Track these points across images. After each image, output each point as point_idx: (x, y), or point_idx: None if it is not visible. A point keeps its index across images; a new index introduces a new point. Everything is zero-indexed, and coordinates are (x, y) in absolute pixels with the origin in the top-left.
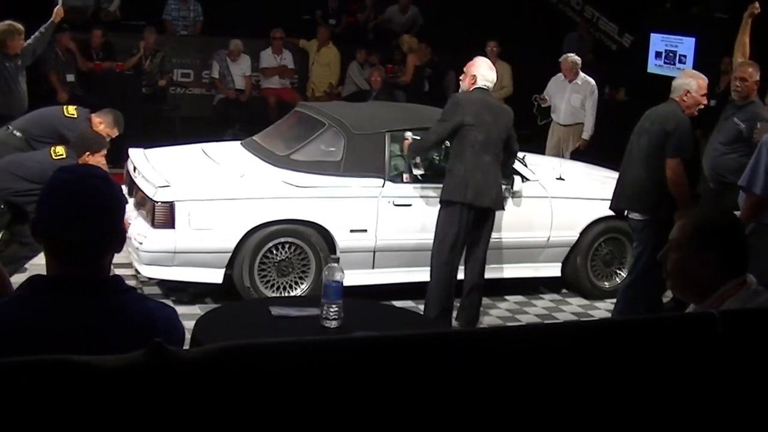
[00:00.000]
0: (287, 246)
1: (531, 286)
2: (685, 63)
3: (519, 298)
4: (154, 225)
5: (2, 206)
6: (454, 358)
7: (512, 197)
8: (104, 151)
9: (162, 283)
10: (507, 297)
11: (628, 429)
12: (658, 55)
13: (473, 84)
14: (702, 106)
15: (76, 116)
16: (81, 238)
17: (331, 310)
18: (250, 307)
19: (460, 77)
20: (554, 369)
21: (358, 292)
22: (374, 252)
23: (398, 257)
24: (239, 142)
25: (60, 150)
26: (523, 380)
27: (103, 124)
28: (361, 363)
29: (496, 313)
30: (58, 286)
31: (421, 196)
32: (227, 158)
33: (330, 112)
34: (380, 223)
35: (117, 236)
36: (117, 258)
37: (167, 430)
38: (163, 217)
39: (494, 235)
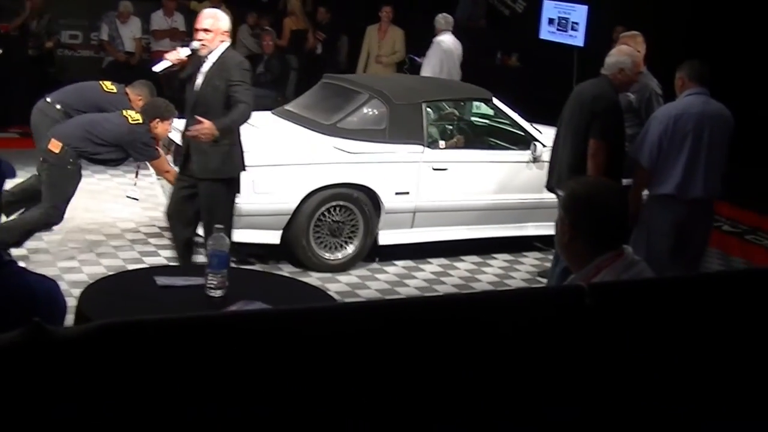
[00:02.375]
0: (339, 208)
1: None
2: (577, 30)
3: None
4: None
5: (78, 164)
6: (338, 331)
7: (535, 162)
8: (173, 120)
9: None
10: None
11: (495, 403)
12: (550, 21)
13: None
14: (633, 84)
15: (115, 91)
16: None
17: (216, 279)
18: (135, 277)
19: None
20: (414, 346)
21: (398, 250)
22: (414, 213)
23: (435, 217)
24: (270, 111)
25: (136, 116)
26: (389, 357)
27: (141, 98)
28: (246, 338)
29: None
30: None
31: (456, 161)
32: (269, 126)
33: (368, 83)
34: (421, 186)
35: None
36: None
37: (46, 410)
38: None
39: (519, 196)
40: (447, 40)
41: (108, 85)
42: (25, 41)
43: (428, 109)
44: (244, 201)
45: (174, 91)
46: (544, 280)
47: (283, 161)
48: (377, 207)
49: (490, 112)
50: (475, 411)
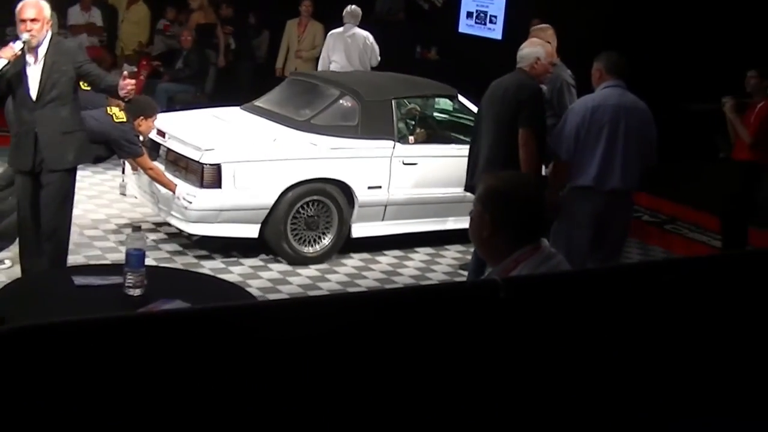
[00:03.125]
0: (314, 203)
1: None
2: (495, 23)
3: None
4: (202, 185)
5: None
6: (260, 329)
7: None
8: (156, 117)
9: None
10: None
11: (409, 399)
12: (469, 15)
13: None
14: (549, 74)
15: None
16: None
17: (134, 278)
18: (52, 277)
19: None
20: (328, 343)
21: (370, 242)
22: (386, 206)
23: (405, 210)
24: (239, 107)
25: (121, 113)
26: (305, 354)
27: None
28: (165, 338)
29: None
30: None
31: (425, 156)
32: (243, 122)
33: (338, 80)
34: (392, 180)
35: None
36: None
37: None
38: (211, 177)
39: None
40: (356, 32)
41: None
42: None
43: (398, 106)
44: (225, 196)
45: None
46: (466, 273)
47: (261, 157)
48: (351, 201)
49: (451, 107)
50: (390, 406)
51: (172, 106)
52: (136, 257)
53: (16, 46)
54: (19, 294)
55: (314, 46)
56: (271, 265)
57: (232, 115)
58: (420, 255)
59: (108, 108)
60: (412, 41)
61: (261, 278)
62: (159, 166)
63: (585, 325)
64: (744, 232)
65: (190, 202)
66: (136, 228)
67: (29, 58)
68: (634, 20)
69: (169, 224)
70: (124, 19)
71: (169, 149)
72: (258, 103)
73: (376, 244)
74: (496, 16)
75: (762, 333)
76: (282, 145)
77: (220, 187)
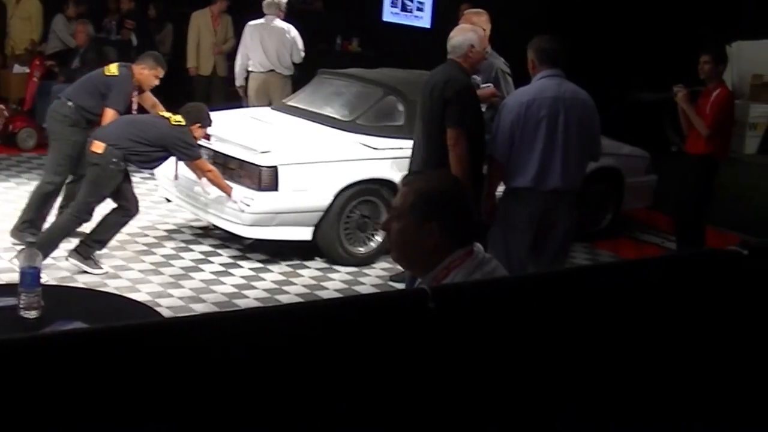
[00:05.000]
0: (365, 203)
1: None
2: (423, 10)
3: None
4: (260, 188)
5: (121, 164)
6: (161, 348)
7: None
8: (209, 127)
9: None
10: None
11: (338, 414)
12: (393, 2)
13: None
14: (485, 60)
15: (116, 74)
16: None
17: (29, 299)
18: None
19: None
20: (252, 358)
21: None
22: None
23: None
24: (270, 108)
25: (178, 117)
26: (226, 370)
27: (145, 69)
28: (61, 361)
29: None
30: None
31: None
32: (286, 124)
33: (376, 79)
34: None
35: None
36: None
37: None
38: (268, 180)
39: None
40: (276, 24)
41: (111, 69)
42: None
43: None
44: (282, 198)
45: None
46: (398, 285)
47: (316, 159)
48: None
49: None
50: (319, 420)
51: None
52: (31, 276)
53: None
54: None
55: (225, 40)
56: (182, 282)
57: (269, 116)
58: (311, 270)
59: (162, 112)
60: (332, 32)
61: (171, 297)
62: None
63: (523, 335)
64: (701, 232)
65: (248, 205)
66: (31, 244)
67: None
68: (574, 1)
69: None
70: (13, 14)
71: (217, 152)
72: (292, 102)
73: (299, 254)
74: (423, 3)
75: (717, 339)
76: (334, 147)
77: (276, 189)
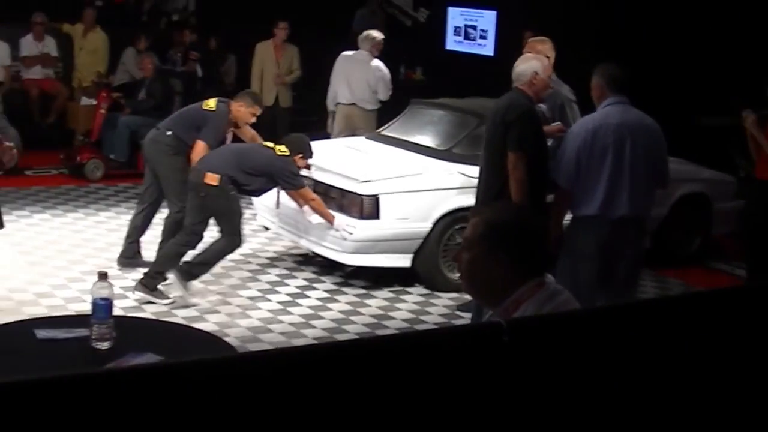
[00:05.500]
0: (464, 230)
1: None
2: (486, 39)
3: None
4: (361, 216)
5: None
6: (236, 382)
7: None
8: (310, 159)
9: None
10: None
11: None
12: (456, 30)
13: None
14: (551, 89)
15: (215, 109)
16: None
17: (101, 330)
18: (12, 331)
19: None
20: (324, 393)
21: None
22: None
23: None
24: (364, 137)
25: (282, 148)
26: (297, 406)
27: (243, 107)
28: (136, 395)
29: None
30: None
31: None
32: (383, 153)
33: (469, 108)
34: None
35: None
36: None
37: None
38: (370, 208)
39: None
40: (365, 60)
41: (210, 103)
42: None
43: None
44: (383, 226)
45: None
46: (465, 315)
47: (416, 187)
48: None
49: None
50: None
51: (135, 140)
52: (103, 307)
53: None
54: None
55: (291, 71)
56: (251, 312)
57: (365, 145)
58: (413, 296)
59: (265, 142)
60: (395, 61)
61: (239, 326)
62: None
63: (596, 367)
64: None
65: (351, 233)
66: (102, 275)
67: None
68: (639, 27)
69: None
70: (80, 48)
71: (318, 181)
72: (386, 132)
73: (371, 279)
74: (486, 31)
75: None
76: (433, 176)
77: (377, 217)
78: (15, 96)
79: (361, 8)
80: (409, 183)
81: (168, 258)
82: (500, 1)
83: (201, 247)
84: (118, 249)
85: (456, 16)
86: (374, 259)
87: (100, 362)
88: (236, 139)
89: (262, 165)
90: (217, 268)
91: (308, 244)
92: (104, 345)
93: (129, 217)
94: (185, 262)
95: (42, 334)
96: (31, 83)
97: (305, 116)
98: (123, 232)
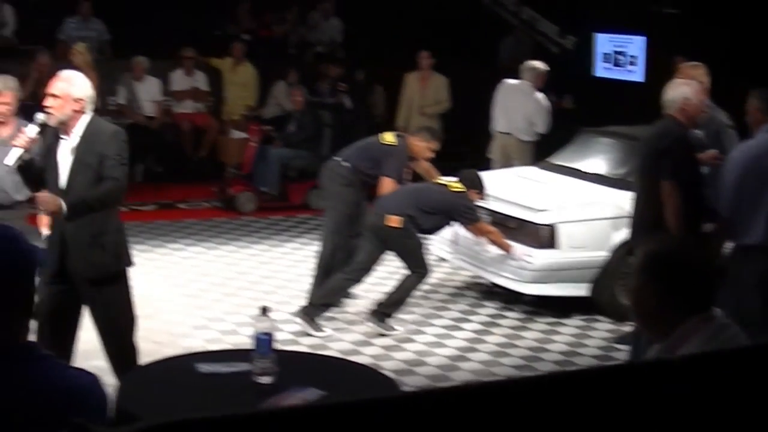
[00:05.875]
0: None
1: None
2: (635, 65)
3: None
4: (539, 246)
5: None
6: (409, 423)
7: None
8: (484, 194)
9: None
10: None
11: None
12: (605, 57)
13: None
14: (703, 115)
15: (394, 144)
16: None
17: (264, 364)
18: (175, 365)
19: None
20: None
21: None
22: None
23: None
24: (535, 166)
25: (457, 185)
26: None
27: (421, 142)
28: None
29: None
30: None
31: None
32: (557, 181)
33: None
34: None
35: (23, 300)
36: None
37: None
38: (547, 238)
39: None
40: (526, 90)
41: (388, 138)
42: (37, 109)
43: None
44: (561, 256)
45: (34, 183)
46: (622, 347)
47: (593, 216)
48: None
49: None
50: None
51: (286, 173)
52: (265, 341)
53: (29, 131)
54: (141, 384)
55: (438, 101)
56: (405, 345)
57: (538, 174)
58: (569, 328)
59: (439, 179)
60: (544, 89)
61: (394, 359)
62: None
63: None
64: None
65: (529, 263)
66: (264, 310)
67: (62, 141)
68: None
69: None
70: (229, 81)
71: (494, 211)
72: (557, 161)
73: (524, 311)
74: (635, 57)
75: None
76: (608, 204)
77: (555, 247)
78: (167, 130)
79: (508, 36)
80: (585, 211)
81: (334, 291)
82: (649, 26)
83: (386, 283)
84: (270, 281)
85: (604, 43)
86: (552, 289)
87: (262, 397)
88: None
89: (440, 203)
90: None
91: (486, 275)
92: (266, 379)
93: (281, 249)
94: (379, 304)
95: (204, 368)
96: (182, 117)
97: (454, 147)
98: (275, 265)
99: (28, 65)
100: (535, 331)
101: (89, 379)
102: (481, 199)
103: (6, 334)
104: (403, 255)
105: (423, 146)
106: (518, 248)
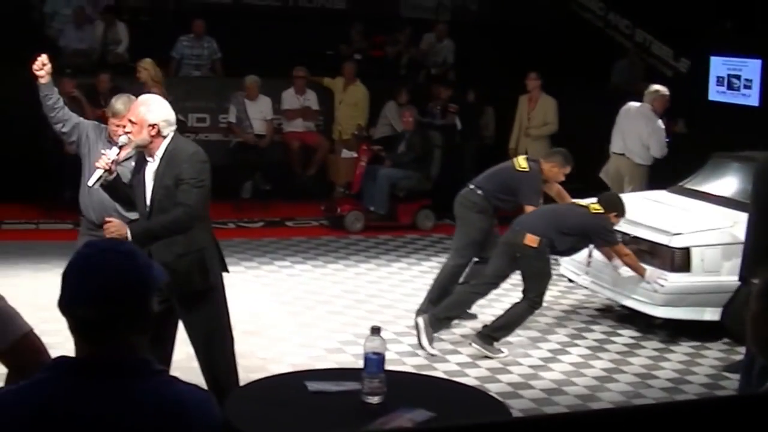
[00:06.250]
0: None
1: None
2: (751, 88)
3: None
4: (672, 269)
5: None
6: None
7: None
8: (623, 217)
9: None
10: None
11: None
12: (719, 80)
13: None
14: None
15: (527, 169)
16: (96, 316)
17: (373, 384)
18: (284, 382)
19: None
20: None
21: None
22: None
23: None
24: (665, 190)
25: (596, 206)
26: None
27: (555, 167)
28: None
29: None
30: (79, 368)
31: None
32: (689, 206)
33: None
34: None
35: (140, 315)
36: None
37: None
38: (681, 261)
39: None
40: (646, 114)
41: (522, 164)
42: None
43: None
44: (694, 279)
45: (125, 203)
46: (732, 376)
47: (726, 240)
48: None
49: None
50: None
51: (395, 193)
52: (375, 361)
53: (111, 153)
54: (250, 400)
55: (545, 123)
56: (511, 367)
57: (669, 198)
58: (678, 354)
59: (578, 201)
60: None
61: (500, 382)
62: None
63: None
64: None
65: (663, 286)
66: (375, 330)
67: (149, 164)
68: None
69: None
70: (340, 101)
71: (624, 233)
72: (689, 185)
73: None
74: (751, 80)
75: None
76: (740, 228)
77: (689, 270)
78: (277, 148)
79: (621, 59)
80: (719, 236)
81: (459, 304)
82: (765, 49)
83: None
84: (377, 300)
85: (718, 66)
86: (683, 312)
87: (371, 417)
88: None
89: (579, 225)
90: (478, 324)
91: (617, 297)
92: (375, 399)
93: (388, 269)
94: (485, 327)
95: (313, 386)
96: (292, 136)
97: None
98: (382, 285)
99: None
100: (643, 357)
101: (202, 395)
102: (619, 221)
103: (123, 349)
104: (528, 277)
105: (557, 171)
106: (652, 271)
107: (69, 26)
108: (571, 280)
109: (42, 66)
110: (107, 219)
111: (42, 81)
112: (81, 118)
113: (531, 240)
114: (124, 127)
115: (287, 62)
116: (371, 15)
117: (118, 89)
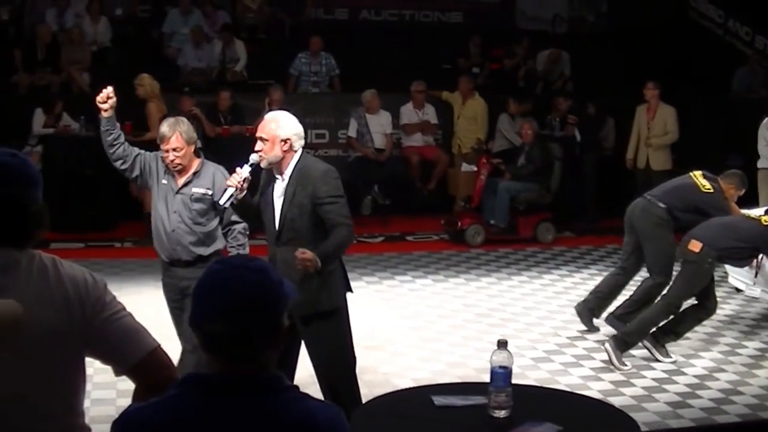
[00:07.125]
0: None
1: None
2: None
3: None
4: None
5: (714, 264)
6: None
7: None
8: None
9: None
10: None
11: None
12: None
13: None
14: None
15: (711, 191)
16: (230, 332)
17: (500, 398)
18: (410, 396)
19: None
20: None
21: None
22: None
23: None
24: None
25: (767, 217)
26: None
27: (732, 189)
28: None
29: None
30: (210, 386)
31: None
32: None
33: None
34: None
35: (273, 331)
36: None
37: None
38: None
39: None
40: None
41: (705, 185)
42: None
43: None
44: None
45: (252, 222)
46: None
47: None
48: None
49: None
50: None
51: (515, 206)
52: (502, 375)
53: (242, 172)
54: (377, 415)
55: (665, 132)
56: (634, 380)
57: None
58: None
59: (751, 214)
60: None
61: (623, 395)
62: None
63: None
64: None
65: None
66: (503, 343)
67: (277, 183)
68: None
69: None
70: (459, 114)
71: None
72: None
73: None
74: None
75: None
76: None
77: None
78: (396, 163)
79: (742, 66)
80: None
81: (648, 324)
82: None
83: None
84: (498, 314)
85: None
86: None
87: (499, 431)
88: None
89: (750, 236)
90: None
91: None
92: (502, 413)
93: (509, 282)
94: (659, 329)
95: (439, 400)
96: (411, 150)
97: None
98: (503, 298)
99: (260, 100)
100: (722, 381)
101: (333, 411)
102: None
103: (255, 365)
104: (681, 279)
105: (733, 193)
106: None
107: (187, 45)
108: (738, 290)
109: (106, 99)
110: (299, 252)
111: (105, 114)
112: (141, 151)
113: (694, 245)
114: (174, 150)
115: (405, 77)
116: (488, 28)
117: (238, 107)
